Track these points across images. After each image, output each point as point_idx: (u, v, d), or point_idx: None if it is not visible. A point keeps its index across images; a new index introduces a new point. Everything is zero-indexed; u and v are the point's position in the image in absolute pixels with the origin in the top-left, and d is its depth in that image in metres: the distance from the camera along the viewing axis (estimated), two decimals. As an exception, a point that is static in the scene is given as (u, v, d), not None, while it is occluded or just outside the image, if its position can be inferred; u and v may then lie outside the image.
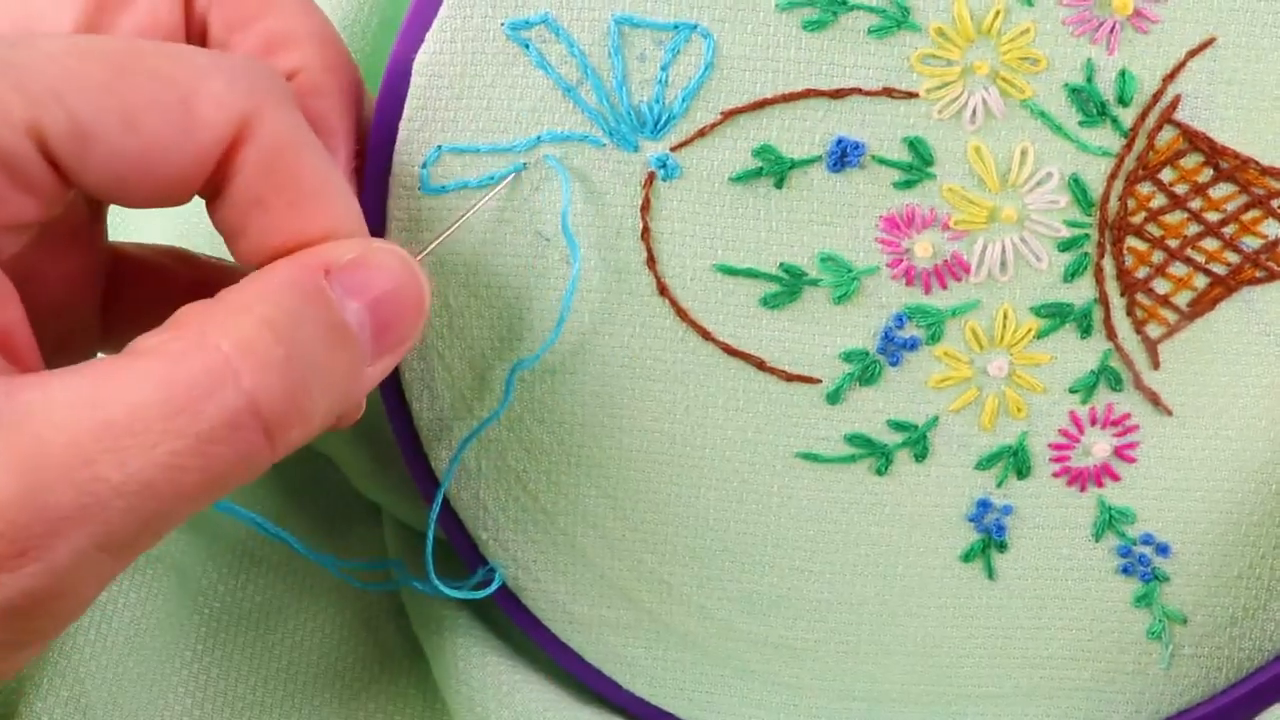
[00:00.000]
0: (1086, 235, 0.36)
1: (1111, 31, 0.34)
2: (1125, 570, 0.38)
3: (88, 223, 0.34)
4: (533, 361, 0.36)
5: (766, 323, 0.36)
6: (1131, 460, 0.37)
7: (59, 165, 0.28)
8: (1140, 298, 0.36)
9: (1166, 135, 0.35)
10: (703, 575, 0.38)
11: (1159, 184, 0.35)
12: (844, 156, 0.35)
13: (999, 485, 0.38)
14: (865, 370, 0.37)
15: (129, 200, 0.29)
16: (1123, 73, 0.35)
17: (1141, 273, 0.36)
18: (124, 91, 0.28)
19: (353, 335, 0.29)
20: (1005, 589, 0.38)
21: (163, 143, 0.28)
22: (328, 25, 0.35)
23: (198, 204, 0.31)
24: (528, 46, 0.35)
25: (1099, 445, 0.37)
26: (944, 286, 0.36)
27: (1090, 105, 0.35)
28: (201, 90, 0.29)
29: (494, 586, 0.39)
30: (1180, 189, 0.35)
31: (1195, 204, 0.36)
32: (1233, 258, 0.36)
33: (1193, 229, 0.36)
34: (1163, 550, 0.38)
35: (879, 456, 0.37)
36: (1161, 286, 0.36)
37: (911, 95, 0.35)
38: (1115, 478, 0.37)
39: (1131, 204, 0.35)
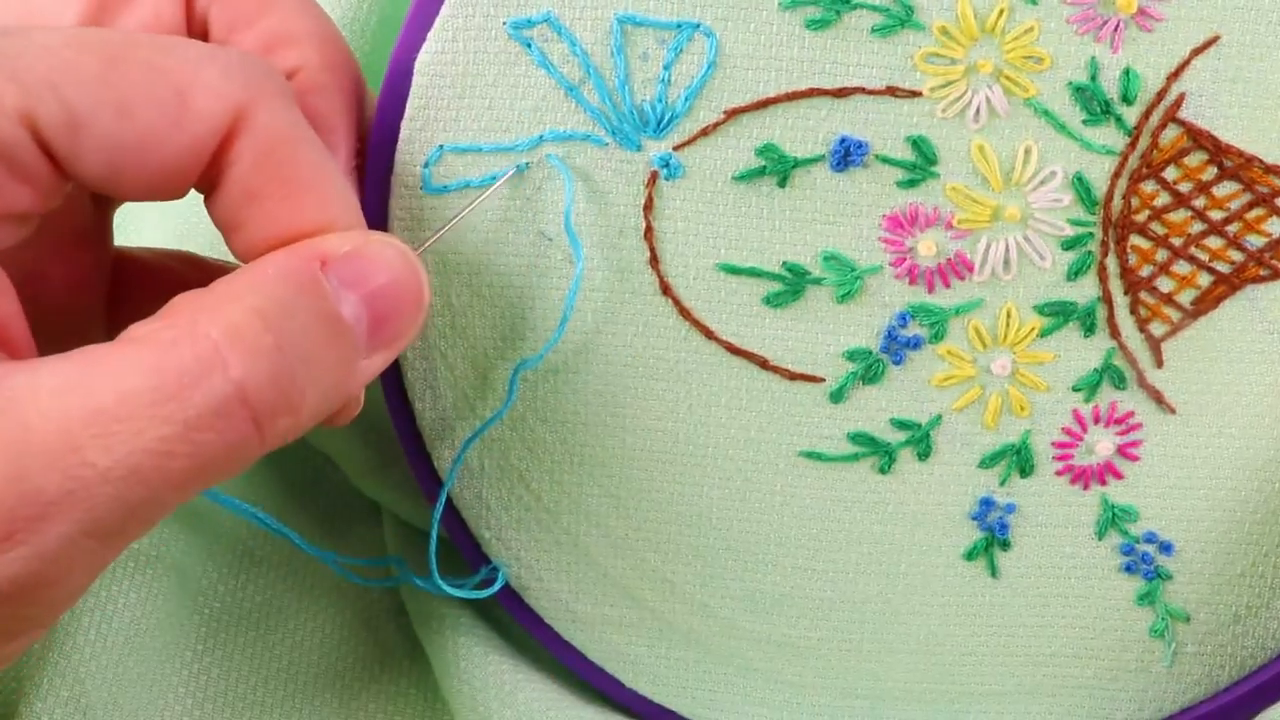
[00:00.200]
0: (1090, 234, 0.36)
1: (1116, 30, 0.34)
2: (1128, 568, 0.38)
3: (92, 224, 0.34)
4: (536, 361, 0.36)
5: (769, 322, 0.36)
6: (1135, 458, 0.37)
7: (54, 155, 0.28)
8: (1144, 296, 0.36)
9: (1170, 133, 0.35)
10: (706, 574, 0.38)
11: (1163, 182, 0.35)
12: (847, 155, 0.35)
13: (1002, 484, 0.37)
14: (868, 369, 0.37)
15: (125, 191, 0.29)
16: (1127, 71, 0.35)
17: (1145, 271, 0.36)
18: (118, 82, 0.28)
19: (347, 327, 0.29)
20: (1008, 587, 0.38)
21: (157, 133, 0.28)
22: (329, 24, 0.35)
23: (198, 204, 0.31)
24: (530, 46, 0.35)
25: (1102, 443, 0.37)
26: (947, 285, 0.36)
27: (1094, 103, 0.35)
28: (196, 81, 0.29)
29: (497, 585, 0.39)
30: (1184, 187, 0.35)
31: (1199, 202, 0.36)
32: (1236, 256, 0.36)
33: (1196, 227, 0.36)
34: (1166, 548, 0.38)
35: (882, 455, 0.37)
36: (1165, 285, 0.36)
37: (915, 94, 0.35)
38: (1118, 476, 0.37)
39: (1135, 202, 0.35)
